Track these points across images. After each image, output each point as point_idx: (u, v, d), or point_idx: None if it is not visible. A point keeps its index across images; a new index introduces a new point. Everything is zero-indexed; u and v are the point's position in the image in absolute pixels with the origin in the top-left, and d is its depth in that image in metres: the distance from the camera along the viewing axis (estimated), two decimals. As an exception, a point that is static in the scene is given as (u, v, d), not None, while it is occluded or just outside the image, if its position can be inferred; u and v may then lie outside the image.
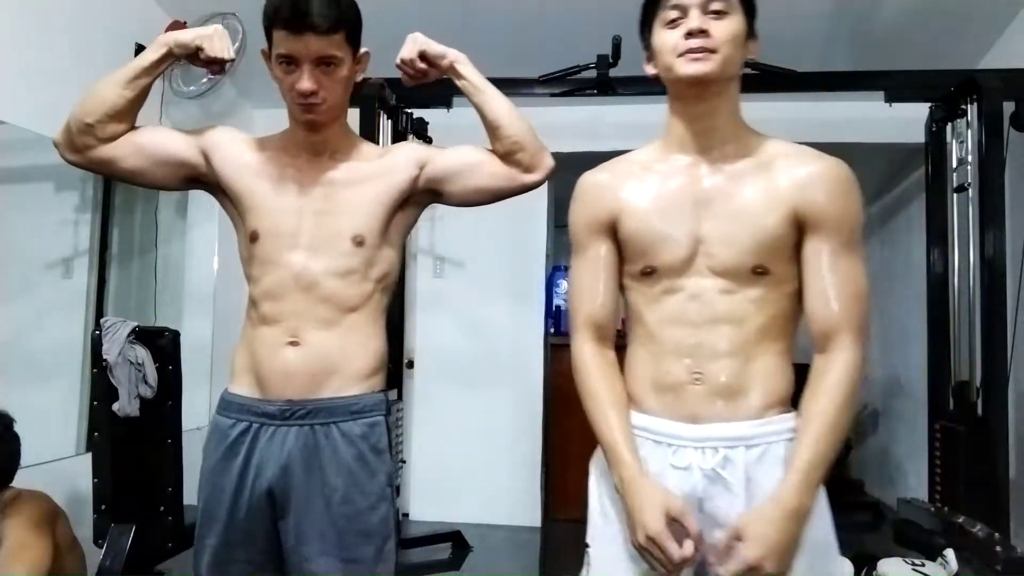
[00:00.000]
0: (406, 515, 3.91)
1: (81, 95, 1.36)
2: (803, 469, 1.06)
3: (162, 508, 2.14)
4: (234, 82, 3.51)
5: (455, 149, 1.46)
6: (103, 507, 2.14)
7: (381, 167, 1.43)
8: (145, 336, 2.20)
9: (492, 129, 1.42)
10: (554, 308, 4.39)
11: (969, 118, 2.70)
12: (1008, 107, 2.67)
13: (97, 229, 2.85)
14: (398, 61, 1.43)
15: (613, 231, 1.22)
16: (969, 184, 2.70)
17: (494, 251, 4.00)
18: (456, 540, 3.46)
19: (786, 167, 1.15)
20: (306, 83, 1.31)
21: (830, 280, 1.12)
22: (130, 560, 2.04)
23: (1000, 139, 2.60)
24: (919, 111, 2.97)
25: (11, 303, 2.50)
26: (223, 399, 1.41)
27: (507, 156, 1.42)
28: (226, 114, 3.58)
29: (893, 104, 2.89)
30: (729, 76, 1.17)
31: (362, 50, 1.39)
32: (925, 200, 3.02)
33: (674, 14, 1.14)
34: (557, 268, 4.46)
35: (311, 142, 1.41)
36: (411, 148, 1.51)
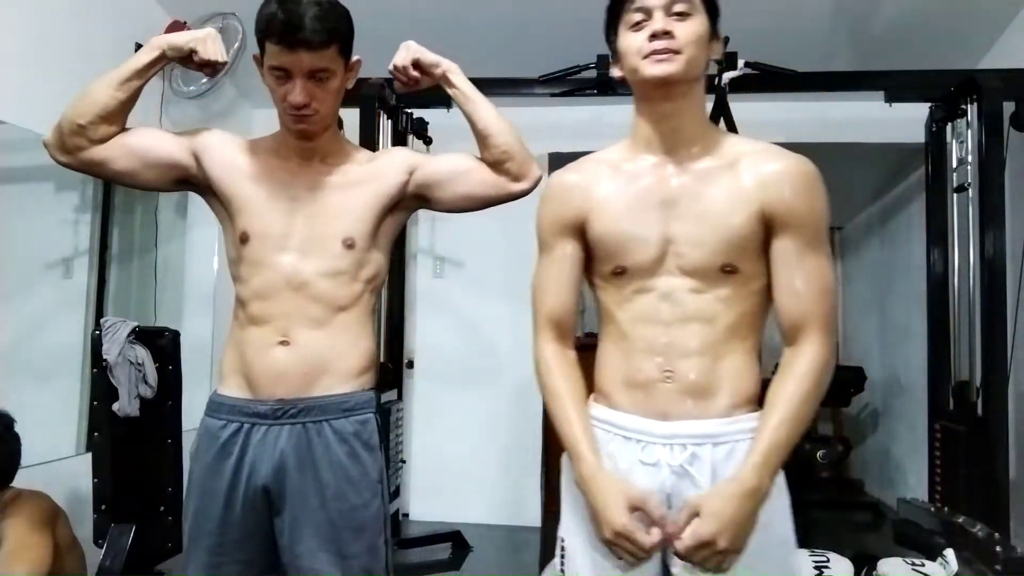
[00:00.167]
0: (406, 515, 3.91)
1: (73, 96, 1.36)
2: (763, 451, 1.09)
3: (162, 508, 2.15)
4: (234, 82, 3.51)
5: (444, 156, 1.49)
6: (103, 507, 2.14)
7: (371, 172, 1.45)
8: (145, 336, 2.20)
9: (482, 138, 1.44)
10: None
11: (969, 118, 2.70)
12: (1008, 107, 2.67)
13: (97, 229, 2.85)
14: (391, 67, 1.46)
15: (581, 232, 1.23)
16: (969, 184, 2.70)
17: (494, 251, 3.99)
18: (456, 540, 3.46)
19: (751, 165, 1.17)
20: (299, 96, 1.32)
21: (798, 276, 1.14)
22: (130, 560, 2.04)
23: (1000, 139, 2.60)
24: (919, 111, 2.98)
25: (11, 303, 2.50)
26: (212, 401, 1.42)
27: (496, 165, 1.44)
28: (226, 114, 3.58)
29: (893, 104, 2.89)
30: (694, 77, 1.18)
31: (354, 58, 1.40)
32: (925, 200, 3.02)
33: (638, 16, 1.16)
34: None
35: (302, 147, 1.42)
36: (401, 154, 1.53)
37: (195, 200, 1.50)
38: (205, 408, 1.42)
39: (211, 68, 1.40)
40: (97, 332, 2.17)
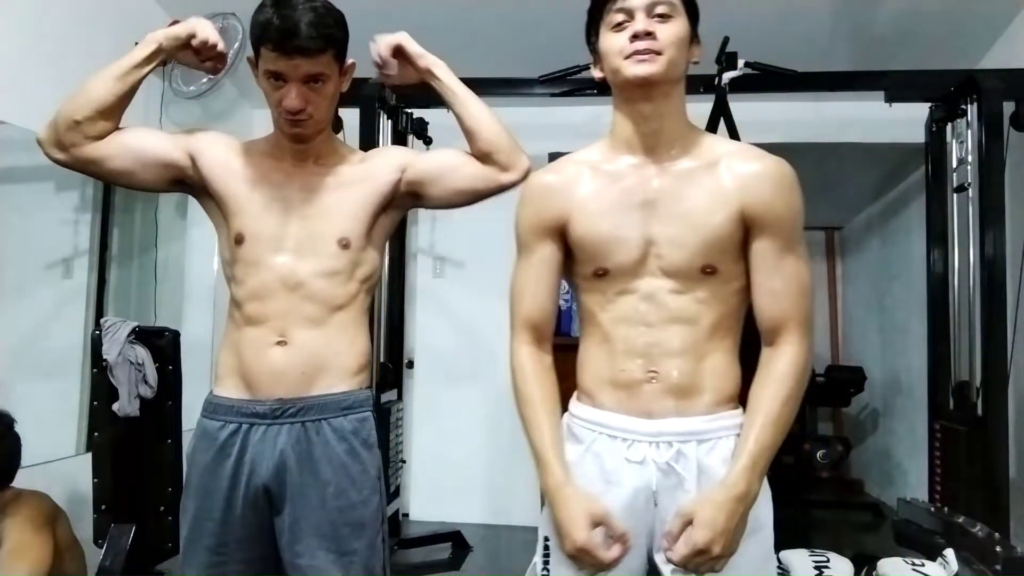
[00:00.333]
0: (406, 515, 3.91)
1: (69, 93, 1.36)
2: (751, 455, 1.11)
3: (162, 508, 2.14)
4: (234, 82, 3.51)
5: (434, 152, 1.51)
6: (103, 507, 2.14)
7: (364, 172, 1.46)
8: (145, 336, 2.20)
9: (470, 132, 1.46)
10: (554, 308, 4.39)
11: (969, 118, 2.70)
12: (1008, 107, 2.67)
13: (97, 229, 2.85)
14: (375, 57, 1.46)
15: (561, 233, 1.24)
16: (969, 184, 2.70)
17: (494, 251, 3.97)
18: (456, 540, 3.46)
19: (731, 166, 1.18)
20: (294, 102, 1.33)
21: (777, 277, 1.17)
22: (130, 560, 2.04)
23: (1000, 139, 2.60)
24: (919, 111, 2.97)
25: (11, 303, 2.50)
26: (208, 403, 1.42)
27: (484, 157, 1.45)
28: (226, 114, 3.58)
29: (893, 104, 2.88)
30: (675, 78, 1.19)
31: (348, 61, 1.40)
32: (925, 200, 3.02)
33: (620, 17, 1.17)
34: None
35: (296, 149, 1.43)
36: (392, 152, 1.54)
37: (195, 200, 1.50)
38: (201, 409, 1.42)
39: (212, 53, 1.40)
40: (97, 332, 2.17)
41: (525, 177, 1.45)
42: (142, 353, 2.16)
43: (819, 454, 4.34)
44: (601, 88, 1.28)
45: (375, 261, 1.47)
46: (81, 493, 2.30)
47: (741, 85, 2.77)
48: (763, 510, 1.17)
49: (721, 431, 1.18)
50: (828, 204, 4.50)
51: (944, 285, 2.88)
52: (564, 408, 1.28)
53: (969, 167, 2.69)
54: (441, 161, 1.49)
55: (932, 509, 2.22)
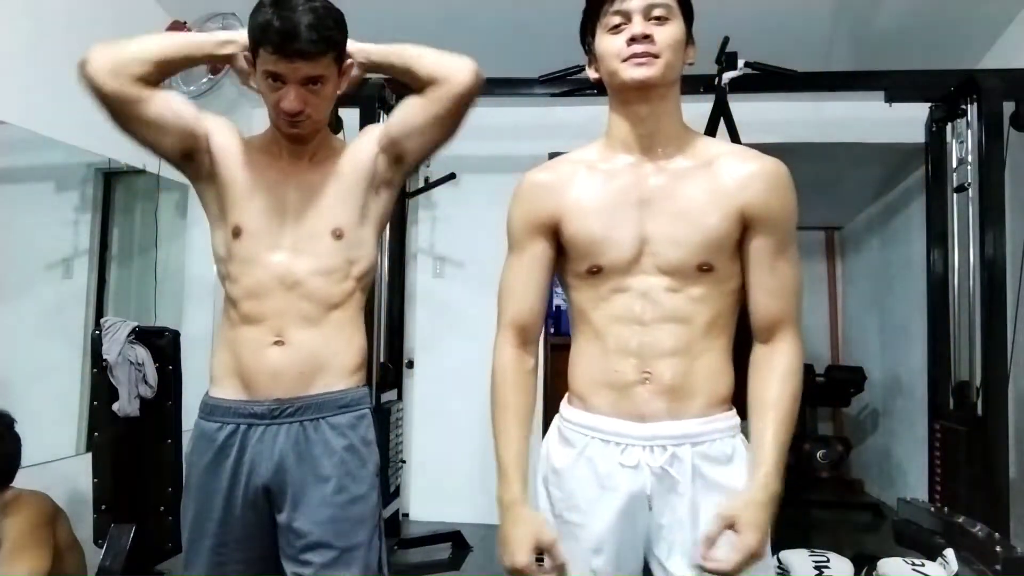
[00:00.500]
0: (406, 515, 3.91)
1: (138, 39, 1.37)
2: (773, 455, 1.12)
3: (162, 508, 2.15)
4: (234, 82, 3.51)
5: (395, 111, 1.47)
6: (103, 507, 2.14)
7: (348, 158, 1.45)
8: (145, 336, 2.20)
9: (412, 81, 1.41)
10: (554, 308, 4.38)
11: (969, 118, 2.70)
12: (1008, 107, 2.67)
13: (97, 229, 2.85)
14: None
15: (553, 232, 1.24)
16: (969, 184, 2.70)
17: (494, 251, 3.97)
18: (456, 540, 3.46)
19: (728, 166, 1.18)
20: (293, 104, 1.32)
21: (774, 276, 1.18)
22: (130, 560, 2.05)
23: (1000, 139, 2.60)
24: (919, 111, 2.97)
25: (11, 303, 2.50)
26: (205, 404, 1.41)
27: (432, 83, 1.40)
28: (226, 114, 3.52)
29: (893, 104, 2.88)
30: (671, 80, 1.19)
31: (347, 62, 1.40)
32: (925, 200, 3.02)
33: (617, 19, 1.17)
34: (557, 268, 4.45)
35: (293, 148, 1.43)
36: (367, 130, 1.52)
37: (195, 200, 1.50)
38: (199, 411, 1.42)
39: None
40: (97, 332, 2.17)
41: (476, 75, 1.40)
42: (142, 353, 2.16)
43: (819, 454, 4.34)
44: (600, 88, 1.28)
45: (371, 255, 1.46)
46: (81, 493, 2.30)
47: (741, 85, 2.76)
48: None
49: (715, 433, 1.18)
50: (828, 204, 4.50)
51: (944, 285, 2.88)
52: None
53: (969, 167, 2.69)
54: (402, 111, 1.45)
55: (932, 509, 2.23)
